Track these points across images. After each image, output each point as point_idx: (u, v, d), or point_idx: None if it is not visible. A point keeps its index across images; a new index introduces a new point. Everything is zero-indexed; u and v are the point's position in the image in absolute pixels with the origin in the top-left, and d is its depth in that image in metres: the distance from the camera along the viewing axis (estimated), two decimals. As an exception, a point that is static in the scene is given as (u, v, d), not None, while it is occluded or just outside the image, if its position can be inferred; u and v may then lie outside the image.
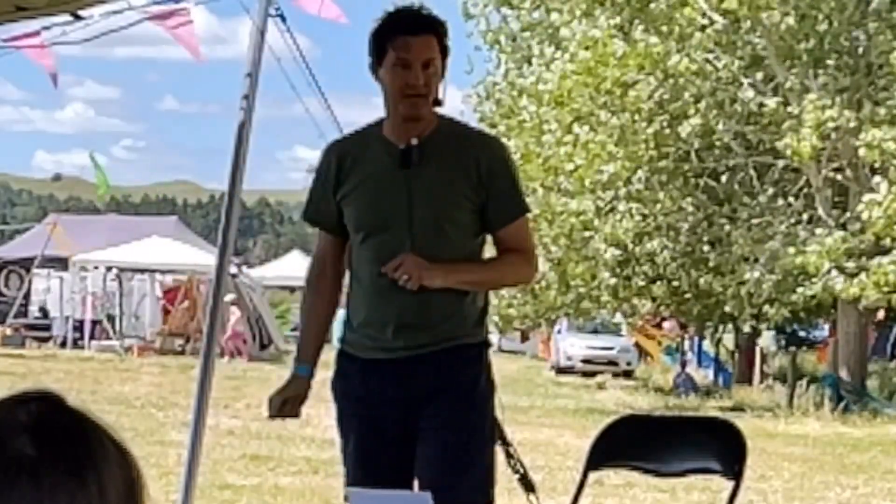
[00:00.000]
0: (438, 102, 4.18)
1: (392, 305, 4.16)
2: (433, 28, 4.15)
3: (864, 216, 19.58)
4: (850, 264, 20.00)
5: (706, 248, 22.48)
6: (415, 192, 4.15)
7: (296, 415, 4.39)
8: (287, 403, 4.36)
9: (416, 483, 4.21)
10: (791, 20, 20.01)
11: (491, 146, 4.39)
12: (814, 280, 20.30)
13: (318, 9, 5.99)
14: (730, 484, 4.34)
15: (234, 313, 28.45)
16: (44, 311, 33.38)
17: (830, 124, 19.58)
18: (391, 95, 4.16)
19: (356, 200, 4.23)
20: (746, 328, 26.35)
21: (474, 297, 4.26)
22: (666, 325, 34.34)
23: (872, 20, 20.05)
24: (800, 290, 20.76)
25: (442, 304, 4.15)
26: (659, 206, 22.13)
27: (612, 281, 22.94)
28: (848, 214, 20.79)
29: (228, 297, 29.21)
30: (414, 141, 4.15)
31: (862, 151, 19.53)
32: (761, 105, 20.64)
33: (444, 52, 4.18)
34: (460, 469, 4.10)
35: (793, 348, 28.72)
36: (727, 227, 21.83)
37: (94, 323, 30.19)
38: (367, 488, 4.03)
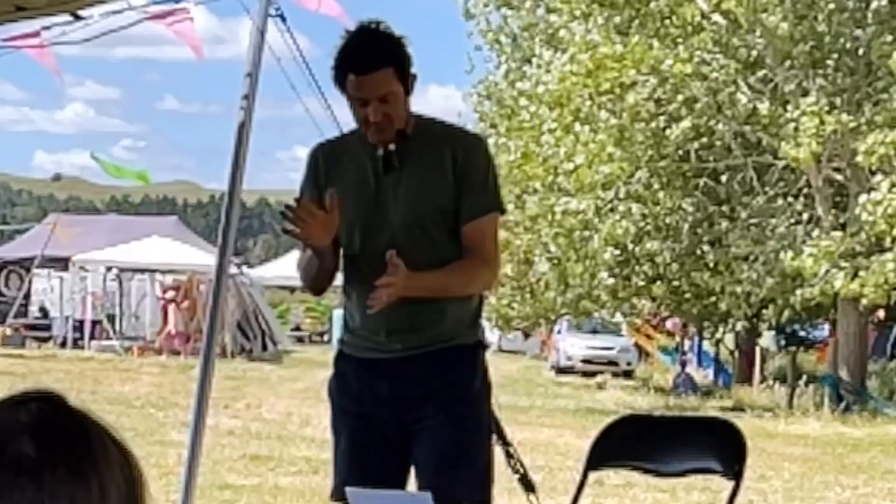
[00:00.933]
0: (403, 133, 4.14)
1: (382, 311, 4.16)
2: (388, 61, 4.08)
3: (864, 216, 19.58)
4: (848, 265, 19.99)
5: (706, 248, 22.48)
6: (396, 195, 4.15)
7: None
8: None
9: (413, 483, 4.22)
10: (787, 23, 19.99)
11: (466, 141, 4.33)
12: (812, 283, 20.30)
13: (317, 6, 5.98)
14: (730, 484, 4.34)
15: (173, 312, 28.51)
16: (44, 311, 33.40)
17: (829, 128, 19.57)
18: (357, 123, 4.18)
19: (347, 209, 4.21)
20: (738, 327, 26.37)
21: (467, 298, 4.26)
22: (669, 323, 34.30)
23: (872, 22, 20.04)
24: (799, 291, 20.76)
25: (431, 307, 4.15)
26: (659, 206, 22.13)
27: (611, 281, 22.93)
28: (847, 215, 20.78)
29: (169, 294, 29.38)
30: (391, 146, 4.15)
31: (860, 157, 19.51)
32: (755, 109, 20.64)
33: (405, 75, 4.11)
34: (456, 469, 4.10)
35: (793, 348, 28.71)
36: (727, 227, 21.83)
37: (94, 323, 30.19)
38: (358, 486, 4.03)
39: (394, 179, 4.16)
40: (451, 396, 4.14)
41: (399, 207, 4.15)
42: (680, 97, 21.03)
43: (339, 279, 4.50)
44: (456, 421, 4.12)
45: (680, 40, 20.72)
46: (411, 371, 4.16)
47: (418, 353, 4.16)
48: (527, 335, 41.69)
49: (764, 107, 20.36)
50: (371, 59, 4.06)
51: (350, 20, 4.58)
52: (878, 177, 19.75)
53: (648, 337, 34.71)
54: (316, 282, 4.33)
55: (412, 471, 4.23)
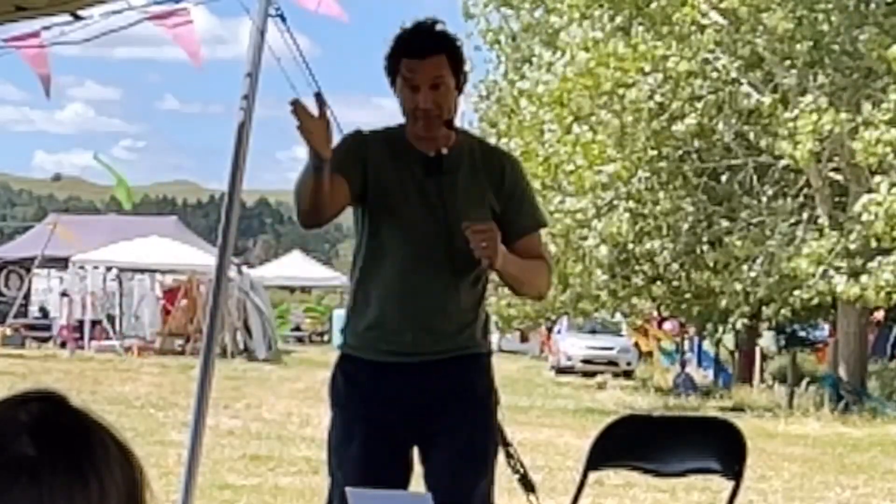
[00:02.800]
0: (450, 123, 4.14)
1: (417, 309, 4.16)
2: (442, 48, 4.13)
3: (864, 217, 19.57)
4: (847, 265, 19.97)
5: (706, 247, 22.47)
6: (446, 199, 4.13)
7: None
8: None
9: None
10: (787, 23, 19.97)
11: (512, 159, 4.55)
12: (810, 283, 20.29)
13: (317, 5, 5.97)
14: (730, 484, 4.34)
15: (66, 304, 28.85)
16: (44, 311, 33.39)
17: (827, 127, 19.56)
18: (406, 116, 4.17)
19: (385, 205, 4.18)
20: (739, 326, 26.37)
21: (483, 307, 4.32)
22: (667, 325, 34.29)
23: (872, 22, 20.02)
24: (797, 291, 20.75)
25: (464, 312, 4.20)
26: (658, 206, 22.11)
27: (605, 278, 22.90)
28: (847, 215, 20.77)
29: (60, 288, 29.61)
30: (444, 150, 4.15)
31: (859, 157, 19.50)
32: (758, 105, 20.63)
33: (458, 68, 4.16)
34: (472, 476, 4.15)
35: (793, 348, 28.71)
36: (727, 227, 21.82)
37: (94, 323, 30.18)
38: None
39: (442, 184, 4.14)
40: (468, 404, 4.18)
41: (450, 211, 4.11)
42: (682, 96, 21.01)
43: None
44: (472, 429, 4.16)
45: (681, 39, 20.70)
46: (430, 378, 4.17)
47: (437, 359, 4.17)
48: (524, 338, 41.66)
49: (765, 105, 20.35)
50: (426, 44, 4.13)
51: (349, 19, 4.59)
52: (878, 177, 19.74)
53: (656, 339, 34.60)
54: (312, 201, 4.03)
55: (422, 475, 4.24)
